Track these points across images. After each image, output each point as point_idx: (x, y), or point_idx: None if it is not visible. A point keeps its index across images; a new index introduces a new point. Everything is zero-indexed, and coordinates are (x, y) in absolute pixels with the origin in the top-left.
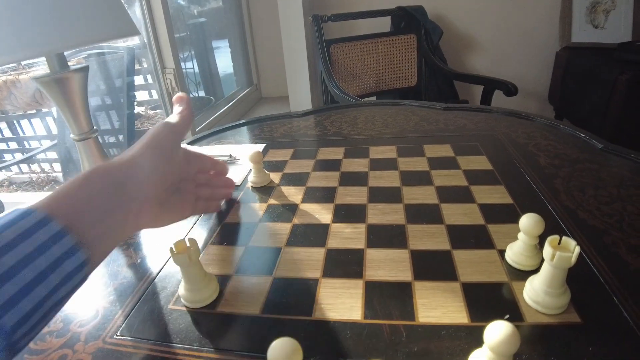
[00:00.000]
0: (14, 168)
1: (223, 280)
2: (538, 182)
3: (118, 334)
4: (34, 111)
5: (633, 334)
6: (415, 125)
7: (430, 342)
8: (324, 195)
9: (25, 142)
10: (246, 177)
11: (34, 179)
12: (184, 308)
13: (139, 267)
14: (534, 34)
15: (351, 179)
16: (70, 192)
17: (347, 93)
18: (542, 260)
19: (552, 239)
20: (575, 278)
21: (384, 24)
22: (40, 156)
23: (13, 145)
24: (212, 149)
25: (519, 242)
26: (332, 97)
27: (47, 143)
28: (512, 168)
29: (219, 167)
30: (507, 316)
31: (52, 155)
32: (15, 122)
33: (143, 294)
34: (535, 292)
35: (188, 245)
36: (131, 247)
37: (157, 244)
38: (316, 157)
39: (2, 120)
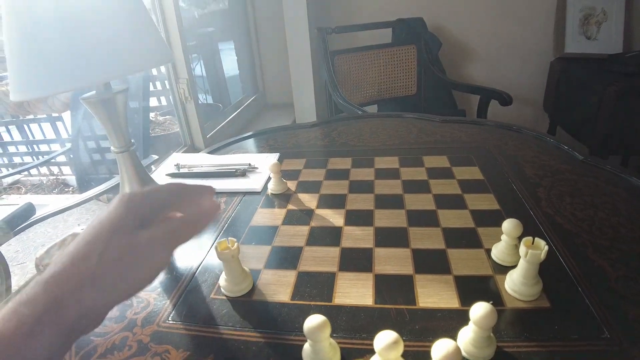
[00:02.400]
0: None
1: (254, 273)
2: (523, 190)
3: (169, 319)
4: (44, 115)
5: (592, 316)
6: (415, 137)
7: (428, 322)
8: (336, 202)
9: (35, 146)
10: (265, 184)
11: (44, 182)
12: (224, 297)
13: (179, 264)
14: (529, 45)
15: (359, 187)
16: None
17: (351, 103)
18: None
19: (526, 239)
20: (548, 272)
21: (385, 35)
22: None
23: (22, 148)
24: (231, 157)
25: (502, 242)
26: (336, 105)
27: (56, 147)
28: (501, 178)
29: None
30: (491, 302)
31: (60, 158)
32: (25, 125)
33: (187, 286)
34: (513, 283)
35: (229, 244)
36: None
37: (193, 243)
38: (327, 166)
39: (13, 124)
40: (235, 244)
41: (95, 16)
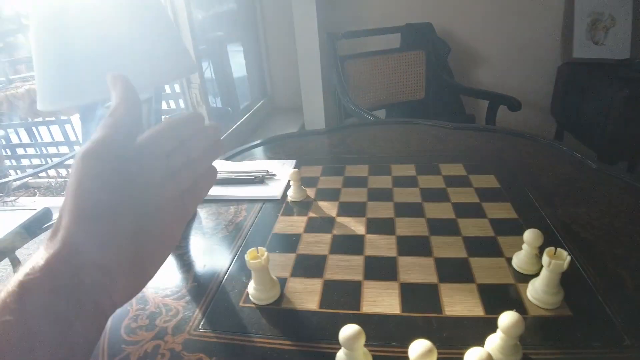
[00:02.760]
0: (30, 171)
1: (281, 281)
2: (539, 199)
3: (200, 327)
4: (53, 118)
5: (612, 324)
6: (430, 145)
7: (455, 330)
8: (356, 210)
9: (43, 148)
10: (285, 191)
11: (53, 184)
12: (253, 305)
13: (205, 272)
14: (537, 50)
15: (378, 194)
16: None
17: (360, 107)
18: (542, 266)
19: (549, 250)
20: (568, 281)
21: (394, 40)
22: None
23: (30, 150)
24: (248, 164)
25: (523, 251)
26: (345, 110)
27: (64, 149)
28: (517, 186)
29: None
30: (514, 310)
31: (70, 161)
32: (34, 128)
33: (215, 294)
34: (536, 291)
35: (259, 253)
36: (195, 255)
37: (218, 251)
38: (344, 174)
39: (21, 127)
40: (265, 253)
41: (122, 28)
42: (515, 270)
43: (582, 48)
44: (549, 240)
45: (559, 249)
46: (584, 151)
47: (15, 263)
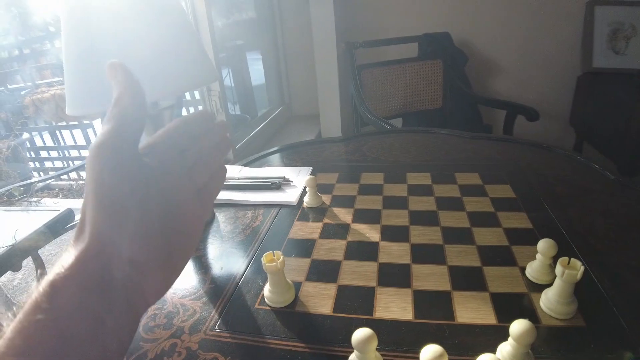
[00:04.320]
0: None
1: (296, 285)
2: (555, 209)
3: (216, 327)
4: (76, 122)
5: (626, 336)
6: (445, 154)
7: (467, 337)
8: (371, 217)
9: (66, 151)
10: (301, 197)
11: (74, 186)
12: (268, 307)
13: (222, 275)
14: (556, 59)
15: (393, 202)
16: None
17: (377, 116)
18: (555, 276)
19: (563, 260)
20: (583, 292)
21: (411, 49)
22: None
23: (53, 153)
24: (265, 170)
25: (537, 261)
26: (361, 118)
27: (86, 153)
28: (533, 196)
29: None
30: (526, 318)
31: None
32: (57, 131)
33: (231, 296)
34: (549, 301)
35: (275, 257)
36: (213, 257)
37: (234, 254)
38: (359, 181)
39: (46, 130)
40: (281, 257)
41: (147, 37)
42: (529, 279)
43: (602, 58)
44: (564, 250)
45: (572, 259)
46: (603, 162)
47: (38, 261)
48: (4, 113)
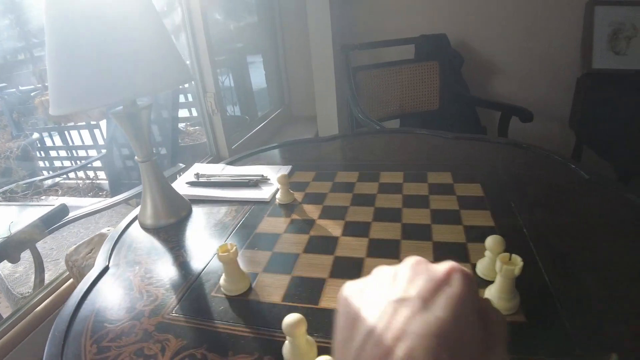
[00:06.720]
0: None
1: (253, 276)
2: (522, 208)
3: (173, 312)
4: (83, 123)
5: (566, 334)
6: (425, 154)
7: None
8: (337, 213)
9: (74, 151)
10: (275, 195)
11: (81, 185)
12: (223, 295)
13: (188, 265)
14: (555, 61)
15: (361, 200)
16: None
17: (370, 118)
18: None
19: (503, 255)
20: (531, 289)
21: (408, 51)
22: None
23: (62, 153)
24: (247, 169)
25: (486, 258)
26: (356, 120)
27: (93, 152)
28: (502, 195)
29: None
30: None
31: (97, 163)
32: (65, 132)
33: (192, 284)
34: (491, 297)
35: (229, 247)
36: (182, 249)
37: (202, 247)
38: (334, 179)
39: (55, 131)
40: (234, 247)
41: (125, 40)
42: (479, 276)
43: (602, 59)
44: (521, 248)
45: (514, 255)
46: (602, 165)
47: (36, 254)
48: (16, 114)
